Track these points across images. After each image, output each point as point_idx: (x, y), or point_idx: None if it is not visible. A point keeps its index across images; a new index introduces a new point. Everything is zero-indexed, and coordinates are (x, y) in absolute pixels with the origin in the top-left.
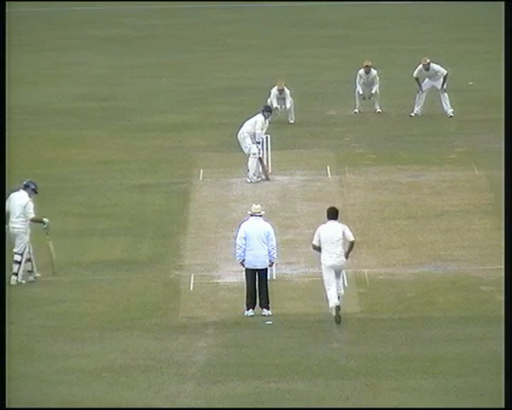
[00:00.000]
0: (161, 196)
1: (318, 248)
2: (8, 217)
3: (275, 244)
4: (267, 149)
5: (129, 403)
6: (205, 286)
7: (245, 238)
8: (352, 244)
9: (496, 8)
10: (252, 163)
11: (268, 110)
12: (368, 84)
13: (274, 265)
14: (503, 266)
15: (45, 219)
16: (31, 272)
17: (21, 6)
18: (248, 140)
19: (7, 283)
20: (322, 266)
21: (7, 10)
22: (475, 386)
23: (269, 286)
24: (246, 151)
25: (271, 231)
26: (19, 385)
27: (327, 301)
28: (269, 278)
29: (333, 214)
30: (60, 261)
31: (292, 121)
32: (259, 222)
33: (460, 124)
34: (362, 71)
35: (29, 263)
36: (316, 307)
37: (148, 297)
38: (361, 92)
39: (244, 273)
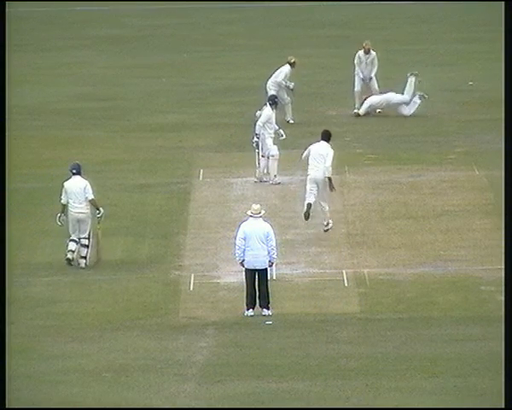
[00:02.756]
0: (161, 196)
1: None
2: (64, 208)
3: (274, 245)
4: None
5: (129, 403)
6: (205, 286)
7: (244, 239)
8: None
9: (496, 8)
10: (272, 165)
11: (272, 101)
12: (367, 66)
13: (274, 265)
14: (503, 266)
15: (101, 209)
16: (84, 258)
17: (21, 6)
18: (269, 141)
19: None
20: (307, 178)
21: (7, 10)
22: (475, 386)
23: (269, 286)
24: (266, 153)
25: (271, 232)
26: (19, 385)
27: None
28: (269, 278)
29: (324, 136)
30: (60, 261)
31: (292, 121)
32: (259, 222)
33: (460, 124)
34: (361, 52)
35: (87, 249)
36: (316, 307)
37: (148, 297)
38: (362, 76)
39: (244, 273)
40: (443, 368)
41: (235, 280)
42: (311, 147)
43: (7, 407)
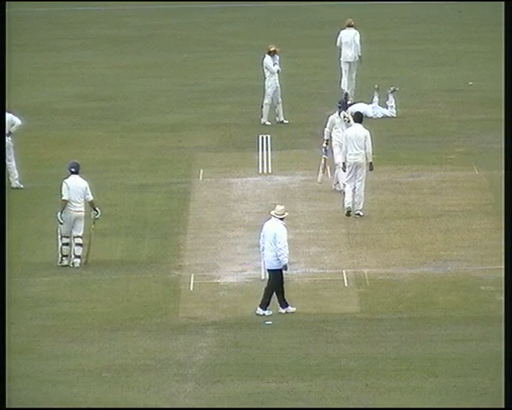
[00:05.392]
0: (161, 196)
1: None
2: (67, 203)
3: (281, 247)
4: (267, 149)
5: (129, 403)
6: (205, 286)
7: (263, 237)
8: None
9: (496, 8)
10: (337, 173)
11: (341, 104)
12: (350, 44)
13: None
14: (503, 266)
15: (98, 210)
16: (79, 257)
17: (21, 6)
18: (336, 148)
19: (70, 264)
20: (347, 164)
21: (7, 10)
22: (475, 386)
23: (271, 288)
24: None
25: (278, 233)
26: (19, 385)
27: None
28: (274, 280)
29: (357, 118)
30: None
31: (286, 121)
32: (273, 223)
33: (460, 124)
34: (344, 31)
35: (82, 248)
36: (316, 307)
37: (148, 297)
38: (348, 59)
39: None
40: (443, 368)
41: (235, 280)
42: (346, 132)
43: (7, 407)
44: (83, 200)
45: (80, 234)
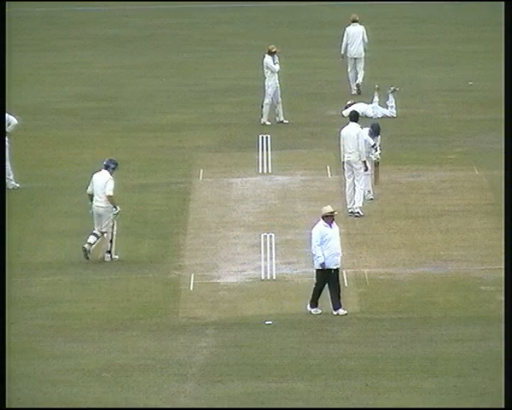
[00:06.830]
0: (161, 196)
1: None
2: (92, 198)
3: (312, 247)
4: (267, 149)
5: (129, 403)
6: (205, 286)
7: None
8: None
9: (496, 8)
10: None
11: (374, 129)
12: (356, 38)
13: (274, 265)
14: (503, 266)
15: (118, 207)
16: (109, 252)
17: (21, 6)
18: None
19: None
20: (344, 162)
21: (7, 10)
22: (475, 386)
23: (319, 286)
24: None
25: (312, 234)
26: (19, 385)
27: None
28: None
29: (352, 117)
30: (60, 261)
31: (286, 121)
32: (316, 224)
33: (460, 124)
34: (350, 27)
35: (109, 244)
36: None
37: (148, 297)
38: (352, 54)
39: None
40: (443, 368)
41: (235, 280)
42: (342, 132)
43: (7, 407)
44: (103, 195)
45: (104, 230)
